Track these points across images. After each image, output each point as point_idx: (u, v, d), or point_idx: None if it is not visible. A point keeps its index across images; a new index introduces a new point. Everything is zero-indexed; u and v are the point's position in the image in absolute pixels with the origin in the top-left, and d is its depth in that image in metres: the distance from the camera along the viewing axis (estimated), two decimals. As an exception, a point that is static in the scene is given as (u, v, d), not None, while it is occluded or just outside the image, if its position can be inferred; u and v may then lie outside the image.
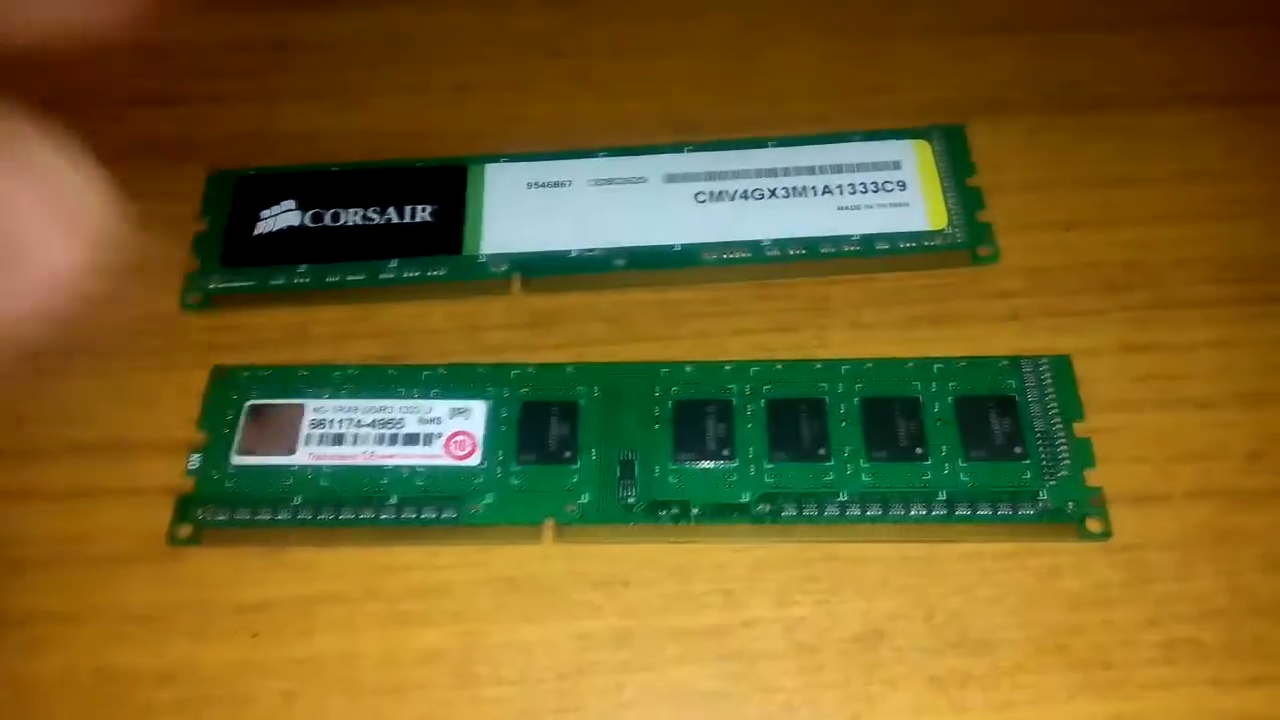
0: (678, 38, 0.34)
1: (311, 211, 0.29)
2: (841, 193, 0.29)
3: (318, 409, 0.26)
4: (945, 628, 0.23)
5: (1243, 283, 0.27)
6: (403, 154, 0.31)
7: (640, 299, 0.28)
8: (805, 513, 0.24)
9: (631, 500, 0.24)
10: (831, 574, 0.24)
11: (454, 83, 0.33)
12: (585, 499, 0.24)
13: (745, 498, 0.24)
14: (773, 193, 0.29)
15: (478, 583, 0.24)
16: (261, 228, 0.29)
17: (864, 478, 0.24)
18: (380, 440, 0.25)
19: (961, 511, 0.24)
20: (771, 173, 0.29)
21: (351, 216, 0.29)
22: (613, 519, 0.24)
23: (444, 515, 0.24)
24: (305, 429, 0.25)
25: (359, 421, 0.25)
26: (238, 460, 0.25)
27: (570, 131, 0.31)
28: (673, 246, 0.28)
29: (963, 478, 0.24)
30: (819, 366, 0.26)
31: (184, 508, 0.24)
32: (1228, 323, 0.27)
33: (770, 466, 0.25)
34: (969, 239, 0.28)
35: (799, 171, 0.29)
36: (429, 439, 0.25)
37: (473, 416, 0.25)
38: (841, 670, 0.22)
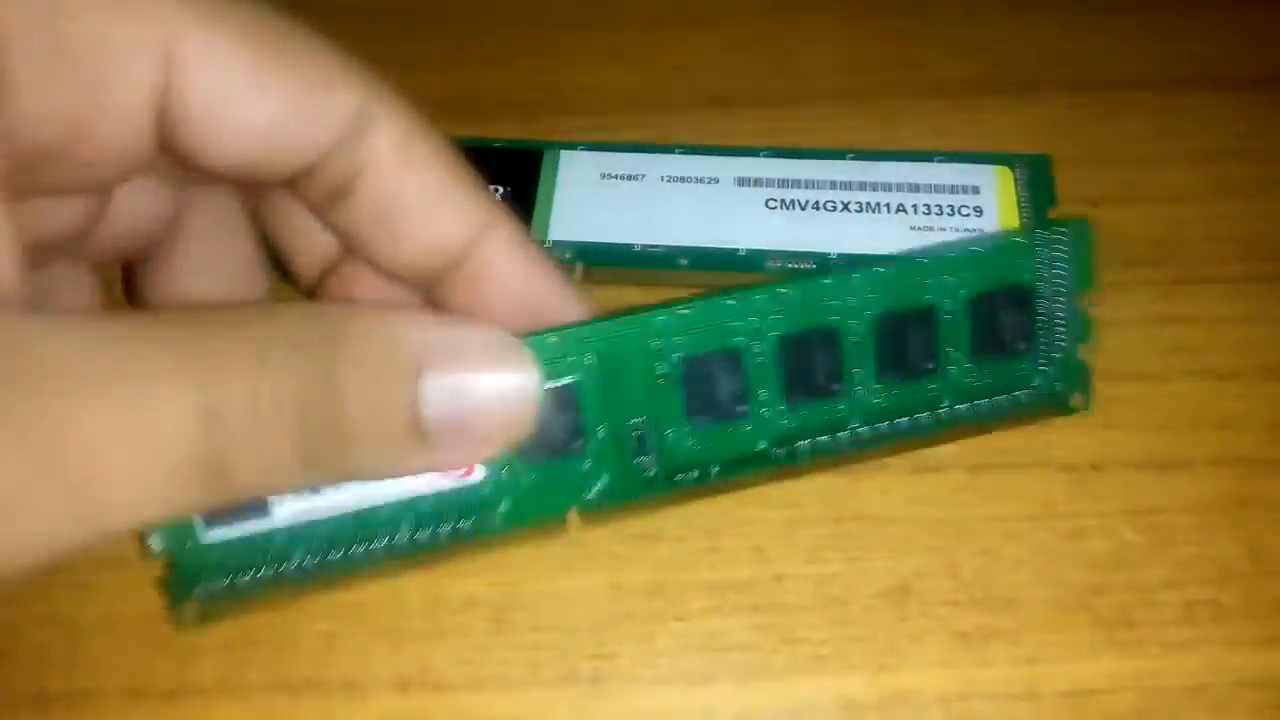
0: (709, 11, 0.35)
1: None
2: (916, 212, 0.28)
3: None
4: (971, 586, 0.23)
5: (1267, 260, 0.28)
6: (437, 124, 0.31)
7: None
8: (819, 446, 0.23)
9: (651, 474, 0.23)
10: (861, 532, 0.24)
11: (486, 54, 0.34)
12: (603, 483, 0.23)
13: (761, 445, 0.23)
14: (845, 206, 0.29)
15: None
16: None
17: (875, 400, 0.23)
18: None
19: (961, 408, 0.23)
20: (847, 185, 0.29)
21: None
22: (635, 495, 0.23)
23: (461, 528, 0.22)
24: None
25: None
26: (211, 537, 0.21)
27: (601, 103, 0.32)
28: (738, 250, 0.28)
29: (967, 380, 0.23)
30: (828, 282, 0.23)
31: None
32: (1252, 298, 0.27)
33: (784, 408, 0.23)
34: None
35: (874, 187, 0.29)
36: None
37: None
38: (869, 624, 0.23)
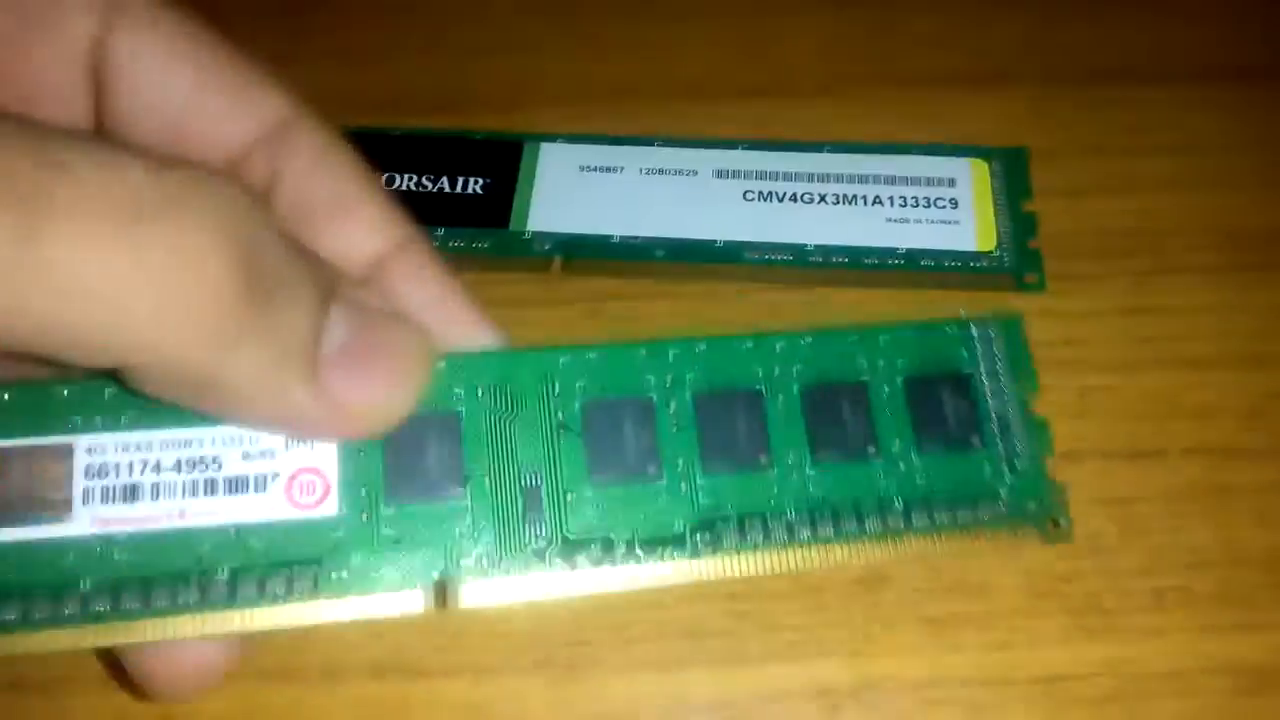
0: (688, 5, 0.35)
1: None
2: (892, 204, 0.29)
3: (93, 448, 0.18)
4: (944, 572, 0.24)
5: (1242, 251, 0.28)
6: (417, 114, 0.31)
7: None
8: (749, 538, 0.19)
9: (542, 544, 0.19)
10: (835, 519, 0.24)
11: (467, 45, 0.34)
12: (484, 545, 0.18)
13: (679, 525, 0.19)
14: (822, 198, 0.29)
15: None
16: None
17: (811, 488, 0.19)
18: (192, 490, 0.18)
19: (919, 521, 0.19)
20: (824, 178, 0.29)
21: (406, 182, 0.30)
22: (521, 565, 0.18)
23: (296, 586, 0.18)
24: (80, 480, 0.18)
25: (158, 464, 0.18)
26: None
27: (581, 95, 0.32)
28: (715, 242, 0.28)
29: (917, 477, 0.20)
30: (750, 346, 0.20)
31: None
32: (1227, 288, 0.27)
33: (704, 482, 0.19)
34: (1016, 264, 0.28)
35: (851, 179, 0.29)
36: (262, 482, 0.18)
37: (318, 444, 0.18)
38: (844, 611, 0.23)
